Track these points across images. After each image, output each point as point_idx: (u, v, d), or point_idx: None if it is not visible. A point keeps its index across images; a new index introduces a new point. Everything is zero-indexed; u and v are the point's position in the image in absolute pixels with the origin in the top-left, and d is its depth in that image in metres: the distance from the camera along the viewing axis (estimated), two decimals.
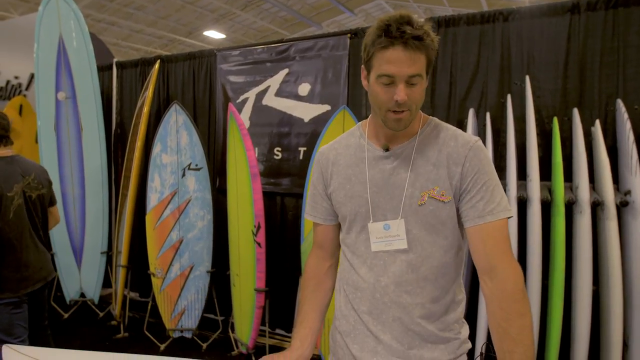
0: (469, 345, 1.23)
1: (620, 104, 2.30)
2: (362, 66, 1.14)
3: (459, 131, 1.19)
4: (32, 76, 4.46)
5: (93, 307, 3.96)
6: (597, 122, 2.33)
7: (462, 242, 1.19)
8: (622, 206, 2.12)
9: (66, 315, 3.90)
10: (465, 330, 1.24)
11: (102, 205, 3.87)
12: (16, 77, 4.59)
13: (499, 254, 1.08)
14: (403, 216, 1.14)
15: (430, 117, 1.23)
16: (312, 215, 1.34)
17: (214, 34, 13.57)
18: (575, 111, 2.39)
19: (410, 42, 1.00)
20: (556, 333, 2.18)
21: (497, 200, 1.10)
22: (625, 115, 2.22)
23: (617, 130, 2.38)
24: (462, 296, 1.23)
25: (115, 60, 4.28)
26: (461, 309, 1.22)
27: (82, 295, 3.94)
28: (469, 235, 1.13)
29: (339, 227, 1.31)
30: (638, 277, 2.07)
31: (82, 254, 3.87)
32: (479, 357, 1.26)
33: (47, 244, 2.42)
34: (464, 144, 1.14)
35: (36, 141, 4.09)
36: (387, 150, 1.18)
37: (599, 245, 2.27)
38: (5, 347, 1.24)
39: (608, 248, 2.13)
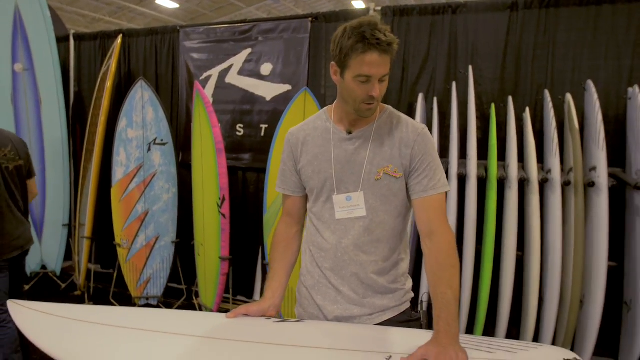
0: (412, 294, 1.52)
1: (547, 93, 2.64)
2: (333, 63, 1.33)
3: (410, 119, 1.43)
4: None
5: (55, 278, 4.03)
6: (527, 109, 2.66)
7: (408, 211, 1.45)
8: (543, 183, 2.47)
9: (27, 287, 3.93)
10: (409, 282, 1.51)
11: (63, 178, 3.90)
12: None
13: (438, 221, 1.35)
14: (362, 189, 1.38)
15: (386, 105, 1.46)
16: (282, 188, 1.55)
17: (167, 3, 13.19)
18: (510, 99, 2.71)
19: (385, 48, 1.22)
20: (486, 290, 2.54)
21: (438, 177, 1.37)
22: (551, 105, 2.56)
23: (544, 116, 2.73)
24: (406, 255, 1.50)
25: (72, 32, 4.23)
26: (406, 265, 1.50)
27: (43, 267, 3.99)
28: (414, 205, 1.39)
29: (305, 198, 1.53)
30: (553, 243, 2.44)
31: (42, 226, 3.91)
32: (421, 303, 1.55)
33: (26, 215, 2.49)
34: (414, 130, 1.38)
35: None
36: (350, 133, 1.41)
37: (524, 217, 2.64)
38: (10, 302, 1.39)
39: (530, 219, 2.49)
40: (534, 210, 2.47)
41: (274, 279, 1.49)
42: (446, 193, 1.40)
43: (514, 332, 2.73)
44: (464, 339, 1.26)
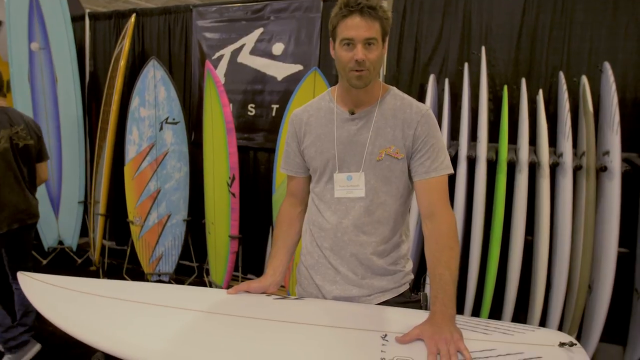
0: (412, 276, 1.52)
1: (561, 75, 2.58)
2: (330, 39, 1.34)
3: (414, 100, 1.42)
4: None
5: (71, 254, 4.14)
6: (541, 91, 2.60)
7: (410, 193, 1.45)
8: (554, 166, 2.43)
9: (45, 262, 4.06)
10: (409, 265, 1.51)
11: (79, 156, 3.98)
12: None
13: (439, 203, 1.34)
14: (364, 170, 1.37)
15: (390, 86, 1.45)
16: (285, 168, 1.56)
17: None
18: (523, 80, 2.66)
19: (365, 10, 1.22)
20: (492, 274, 2.53)
21: (440, 159, 1.35)
22: (564, 87, 2.50)
23: (558, 99, 2.67)
24: (407, 237, 1.50)
25: (87, 11, 4.26)
26: (406, 247, 1.50)
27: (60, 242, 4.10)
28: (416, 187, 1.39)
29: (308, 179, 1.54)
30: (562, 228, 2.41)
31: (59, 203, 4.00)
32: (424, 285, 1.57)
33: (33, 193, 2.55)
34: (417, 111, 1.37)
35: (7, 91, 4.09)
36: (352, 113, 1.40)
37: (534, 201, 2.60)
38: (20, 274, 1.44)
39: (540, 203, 2.46)
40: (544, 194, 2.44)
41: (276, 257, 1.52)
42: (451, 174, 1.39)
43: (521, 316, 2.72)
44: (461, 320, 1.27)
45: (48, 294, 1.37)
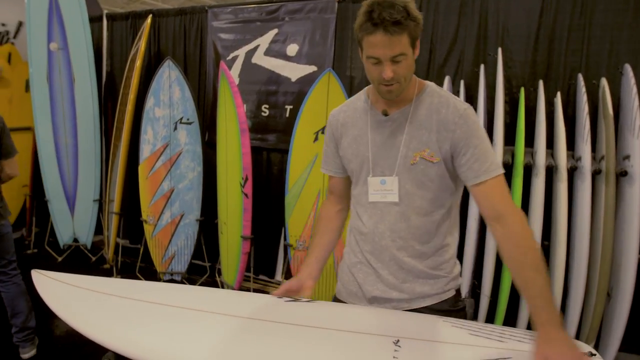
0: (459, 282, 1.43)
1: (580, 78, 2.52)
2: (358, 47, 1.27)
3: (452, 98, 1.30)
4: (20, 24, 4.46)
5: (86, 251, 4.18)
6: (559, 93, 2.55)
7: (450, 195, 1.35)
8: (572, 170, 2.38)
9: (60, 259, 4.12)
10: (456, 269, 1.43)
11: (94, 155, 4.02)
12: (3, 25, 4.57)
13: (503, 204, 1.22)
14: (398, 174, 1.32)
15: (427, 82, 1.35)
16: (325, 169, 1.53)
17: None
18: (541, 83, 2.61)
19: (390, 28, 1.12)
20: (508, 279, 2.48)
21: (489, 159, 1.24)
22: (583, 89, 2.44)
23: (576, 102, 2.62)
24: (450, 239, 1.41)
25: (105, 12, 4.31)
26: (452, 250, 1.41)
27: (75, 240, 4.15)
28: (472, 193, 1.28)
29: (347, 179, 1.49)
30: (580, 233, 2.36)
31: (75, 201, 4.05)
32: (467, 293, 1.49)
33: None
34: (454, 111, 1.26)
35: (26, 90, 4.17)
36: (386, 115, 1.34)
37: (551, 205, 2.55)
38: (34, 272, 1.45)
39: (557, 207, 2.41)
40: (562, 198, 2.39)
41: (311, 255, 1.48)
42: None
43: None
44: (475, 326, 1.24)
45: (61, 292, 1.37)
